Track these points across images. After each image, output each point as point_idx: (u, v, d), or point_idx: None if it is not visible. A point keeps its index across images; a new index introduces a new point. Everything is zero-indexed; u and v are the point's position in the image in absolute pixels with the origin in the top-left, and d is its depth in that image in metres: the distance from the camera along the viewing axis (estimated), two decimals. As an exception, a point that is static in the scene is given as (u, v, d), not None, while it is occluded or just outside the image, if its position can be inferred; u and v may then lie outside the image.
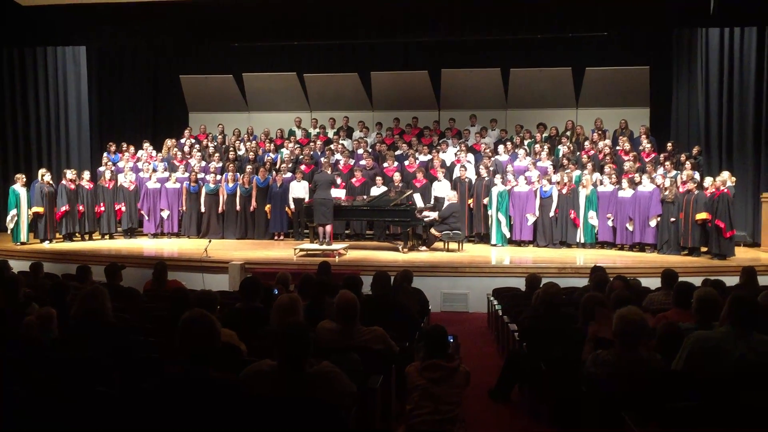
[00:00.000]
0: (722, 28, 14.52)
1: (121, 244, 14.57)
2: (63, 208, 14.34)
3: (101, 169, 15.65)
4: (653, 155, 14.53)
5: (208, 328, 3.26)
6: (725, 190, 12.07)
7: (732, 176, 13.02)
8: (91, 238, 15.13)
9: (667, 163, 13.79)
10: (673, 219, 12.67)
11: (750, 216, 14.40)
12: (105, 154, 16.22)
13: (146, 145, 16.83)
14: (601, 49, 17.11)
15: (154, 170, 15.75)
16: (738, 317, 4.31)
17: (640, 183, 13.26)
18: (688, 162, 13.49)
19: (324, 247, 12.68)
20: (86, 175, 15.08)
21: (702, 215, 12.11)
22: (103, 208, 15.13)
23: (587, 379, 4.34)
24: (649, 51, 17.13)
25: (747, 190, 14.39)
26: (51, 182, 14.41)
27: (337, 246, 12.79)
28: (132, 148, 16.62)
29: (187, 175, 15.58)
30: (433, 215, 13.28)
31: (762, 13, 12.82)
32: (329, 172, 13.55)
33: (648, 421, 3.70)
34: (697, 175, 13.09)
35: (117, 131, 17.92)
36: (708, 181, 12.60)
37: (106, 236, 15.30)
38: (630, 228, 13.25)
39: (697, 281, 7.30)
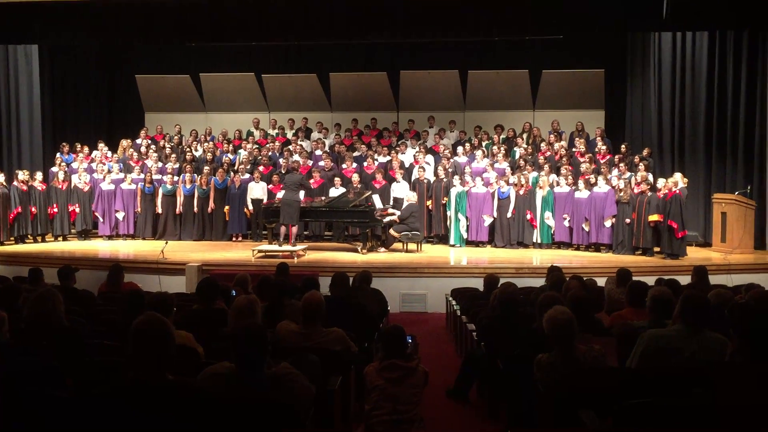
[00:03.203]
0: (675, 32, 14.83)
1: (74, 246, 14.28)
2: (15, 210, 14.03)
3: (54, 169, 15.30)
4: (608, 157, 14.74)
5: (161, 332, 3.20)
6: (677, 192, 12.33)
7: (684, 177, 13.30)
8: (43, 240, 14.82)
9: (622, 164, 14.01)
10: (627, 220, 12.88)
11: (701, 216, 14.70)
12: (58, 155, 15.86)
13: (101, 145, 16.53)
14: (557, 52, 17.23)
15: (109, 171, 15.46)
16: (689, 316, 4.41)
17: (595, 184, 13.45)
18: (641, 163, 13.73)
19: (283, 248, 12.62)
20: (38, 176, 14.77)
21: (654, 217, 12.34)
22: (56, 210, 14.82)
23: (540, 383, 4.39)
24: (604, 54, 17.32)
25: (698, 190, 14.69)
26: (4, 183, 14.08)
27: (296, 247, 12.74)
28: (86, 149, 16.27)
29: (143, 176, 15.34)
30: (396, 215, 13.30)
31: (713, 18, 13.12)
32: (298, 173, 13.48)
33: (603, 420, 3.75)
34: (650, 177, 13.34)
35: (71, 131, 17.54)
36: (661, 182, 12.85)
37: (60, 238, 14.99)
38: (586, 228, 13.42)
39: (650, 281, 7.44)
